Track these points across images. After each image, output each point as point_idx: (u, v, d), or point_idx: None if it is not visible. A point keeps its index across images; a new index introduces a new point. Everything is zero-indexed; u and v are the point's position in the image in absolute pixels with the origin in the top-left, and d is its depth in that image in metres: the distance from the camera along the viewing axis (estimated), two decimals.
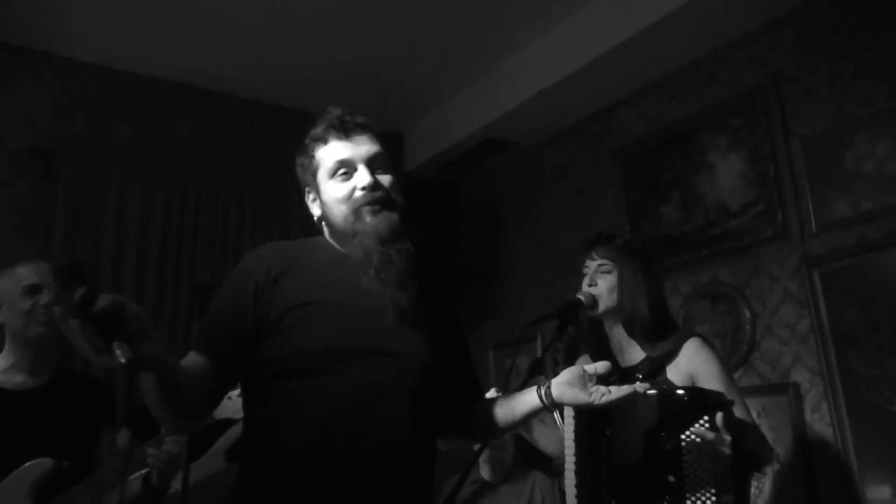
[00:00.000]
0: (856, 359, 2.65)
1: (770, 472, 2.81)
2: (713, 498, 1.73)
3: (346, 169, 1.54)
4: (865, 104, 2.75)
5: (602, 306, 2.17)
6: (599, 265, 2.20)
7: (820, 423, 2.75)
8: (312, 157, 1.59)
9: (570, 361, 2.40)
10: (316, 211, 1.62)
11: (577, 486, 1.92)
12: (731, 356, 3.03)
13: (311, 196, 1.63)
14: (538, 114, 3.90)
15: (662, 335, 2.14)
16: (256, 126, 4.13)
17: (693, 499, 1.74)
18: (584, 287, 2.19)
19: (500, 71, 3.94)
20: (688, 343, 2.11)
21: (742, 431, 1.86)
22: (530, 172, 4.31)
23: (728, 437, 1.74)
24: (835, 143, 2.81)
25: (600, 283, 2.18)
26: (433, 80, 4.08)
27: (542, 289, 4.09)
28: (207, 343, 1.47)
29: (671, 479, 1.76)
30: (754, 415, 2.78)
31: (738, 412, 2.00)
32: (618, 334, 2.21)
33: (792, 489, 2.76)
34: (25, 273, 2.24)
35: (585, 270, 2.23)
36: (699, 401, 1.81)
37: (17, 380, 2.23)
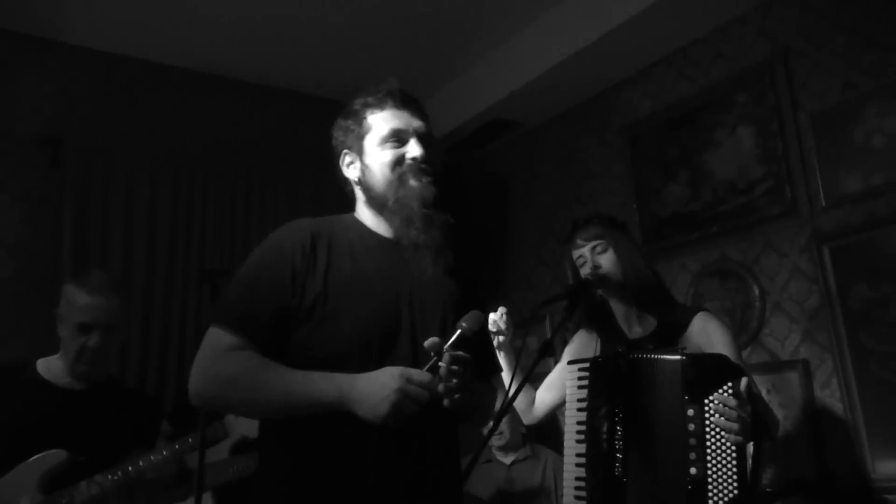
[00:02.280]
0: (866, 335, 2.65)
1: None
2: (734, 461, 1.75)
3: (398, 138, 1.58)
4: (876, 77, 2.72)
5: (615, 280, 2.17)
6: (593, 246, 2.20)
7: (830, 399, 2.76)
8: (363, 120, 1.61)
9: None
10: (352, 174, 1.63)
11: (578, 442, 1.99)
12: (741, 333, 3.03)
13: (349, 159, 1.63)
14: (545, 93, 3.87)
15: (668, 302, 2.18)
16: (263, 111, 4.12)
17: (715, 462, 1.77)
18: (586, 272, 2.18)
19: (506, 50, 3.91)
20: (697, 316, 2.13)
21: (756, 401, 1.88)
22: (537, 152, 4.29)
23: (749, 405, 1.77)
24: (844, 117, 2.78)
25: (603, 262, 2.17)
26: (440, 61, 4.05)
27: (550, 267, 4.09)
28: (246, 323, 1.43)
29: (692, 441, 1.79)
30: (763, 391, 2.81)
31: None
32: (624, 309, 2.22)
33: (803, 465, 2.77)
34: (82, 305, 2.26)
35: (580, 259, 2.22)
36: (723, 367, 1.84)
37: (65, 380, 2.31)
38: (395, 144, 1.58)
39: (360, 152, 1.61)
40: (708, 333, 2.09)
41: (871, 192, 2.68)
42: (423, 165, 1.58)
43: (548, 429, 3.50)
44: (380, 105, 1.62)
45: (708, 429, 1.79)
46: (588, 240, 2.21)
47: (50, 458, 2.14)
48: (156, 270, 3.53)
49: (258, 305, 1.44)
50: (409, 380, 1.30)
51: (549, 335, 3.80)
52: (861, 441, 2.62)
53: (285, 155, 3.98)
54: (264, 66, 3.96)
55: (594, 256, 2.19)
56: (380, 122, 1.60)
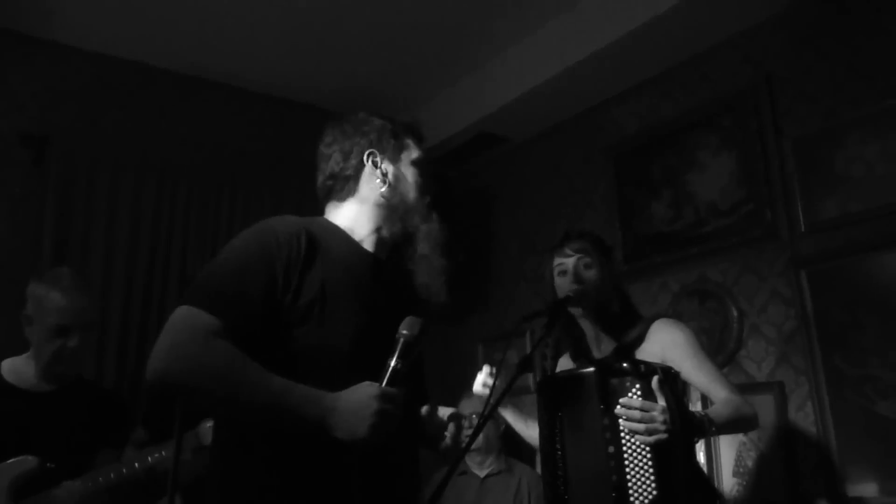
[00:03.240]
0: (841, 359, 2.68)
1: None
2: (649, 463, 1.77)
3: (426, 170, 1.69)
4: (856, 106, 2.76)
5: (594, 297, 2.18)
6: (580, 259, 2.21)
7: (804, 421, 2.78)
8: (403, 137, 1.68)
9: (557, 358, 2.43)
10: (378, 174, 1.61)
11: (543, 468, 2.01)
12: (718, 354, 3.05)
13: (377, 158, 1.63)
14: (532, 109, 3.90)
15: (631, 322, 2.20)
16: (251, 116, 4.11)
17: (632, 466, 1.79)
18: (567, 284, 2.20)
19: (494, 65, 3.94)
20: (654, 325, 2.16)
21: (679, 393, 1.89)
22: (523, 167, 4.31)
23: (662, 403, 1.78)
24: (825, 144, 2.82)
25: (586, 277, 2.19)
26: (427, 74, 4.07)
27: (532, 283, 4.11)
28: (227, 307, 1.32)
29: (611, 449, 1.82)
30: None
31: (710, 383, 2.03)
32: (590, 327, 2.24)
33: (776, 487, 2.79)
34: (59, 307, 2.21)
35: (562, 267, 2.24)
36: (632, 371, 1.86)
37: (31, 382, 2.26)
38: (423, 173, 1.67)
39: (393, 160, 1.64)
40: (665, 339, 2.11)
41: (850, 218, 2.72)
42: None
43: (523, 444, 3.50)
44: (413, 136, 1.70)
45: (622, 434, 1.82)
46: (577, 251, 2.23)
47: (19, 464, 2.09)
48: (136, 274, 3.50)
49: (245, 290, 1.35)
50: (385, 398, 1.27)
51: (528, 350, 3.80)
52: (834, 464, 2.65)
53: (271, 162, 3.98)
54: (252, 71, 3.96)
55: (579, 269, 2.20)
56: (415, 146, 1.69)
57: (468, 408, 3.35)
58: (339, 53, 3.82)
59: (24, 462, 2.10)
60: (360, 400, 1.27)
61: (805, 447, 2.76)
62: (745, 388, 2.93)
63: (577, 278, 2.19)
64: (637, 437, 1.78)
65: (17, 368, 2.28)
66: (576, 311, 2.23)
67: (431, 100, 4.33)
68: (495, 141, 4.29)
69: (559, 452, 1.93)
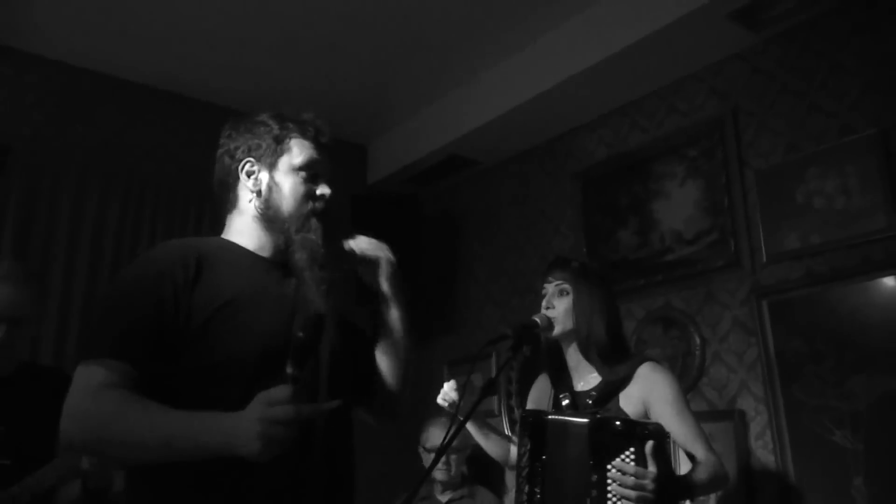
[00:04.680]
0: (799, 388, 2.72)
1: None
2: None
3: (313, 173, 1.56)
4: (817, 141, 2.84)
5: (559, 328, 2.20)
6: (556, 286, 2.24)
7: (763, 450, 2.81)
8: (284, 140, 1.56)
9: (523, 382, 2.44)
10: (252, 185, 1.55)
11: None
12: (681, 381, 3.07)
13: (253, 168, 1.55)
14: (502, 133, 3.94)
15: (618, 359, 2.17)
16: (218, 130, 4.06)
17: None
18: (542, 309, 2.23)
19: (465, 89, 3.97)
20: (641, 367, 2.15)
21: (670, 459, 1.91)
22: (492, 190, 4.34)
23: (654, 470, 1.79)
24: (787, 177, 2.89)
25: (557, 305, 2.21)
26: (399, 95, 4.09)
27: (500, 307, 4.12)
28: (127, 348, 1.30)
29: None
30: None
31: (688, 437, 2.04)
32: (574, 357, 2.24)
33: None
34: None
35: (544, 292, 2.27)
36: (627, 432, 1.86)
37: None
38: (308, 178, 1.55)
39: (270, 167, 1.55)
40: (651, 384, 2.11)
41: (810, 250, 2.78)
42: (329, 209, 1.56)
43: (490, 470, 3.49)
44: (302, 133, 1.58)
45: (608, 492, 1.82)
46: (557, 279, 2.25)
47: None
48: (98, 286, 3.44)
49: (140, 329, 1.32)
50: (266, 402, 1.20)
51: (493, 373, 3.80)
52: (792, 492, 2.68)
53: None
54: (222, 87, 3.94)
55: (554, 297, 2.23)
56: (300, 148, 1.56)
57: (434, 436, 3.34)
58: (311, 72, 3.82)
59: None
60: (244, 413, 1.22)
61: (764, 475, 2.79)
62: (707, 415, 2.97)
63: (549, 304, 2.22)
64: (624, 500, 1.79)
65: None
66: (560, 338, 2.23)
67: (403, 121, 4.35)
68: (465, 164, 4.31)
69: (538, 494, 1.94)
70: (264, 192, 1.54)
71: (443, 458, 3.21)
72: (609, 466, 1.83)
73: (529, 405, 2.37)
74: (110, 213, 3.56)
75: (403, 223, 4.50)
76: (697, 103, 3.30)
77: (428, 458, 3.32)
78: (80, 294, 3.38)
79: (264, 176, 1.55)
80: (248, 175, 1.55)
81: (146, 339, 1.32)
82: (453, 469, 3.29)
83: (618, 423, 1.90)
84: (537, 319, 2.17)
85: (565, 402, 2.18)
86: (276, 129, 1.57)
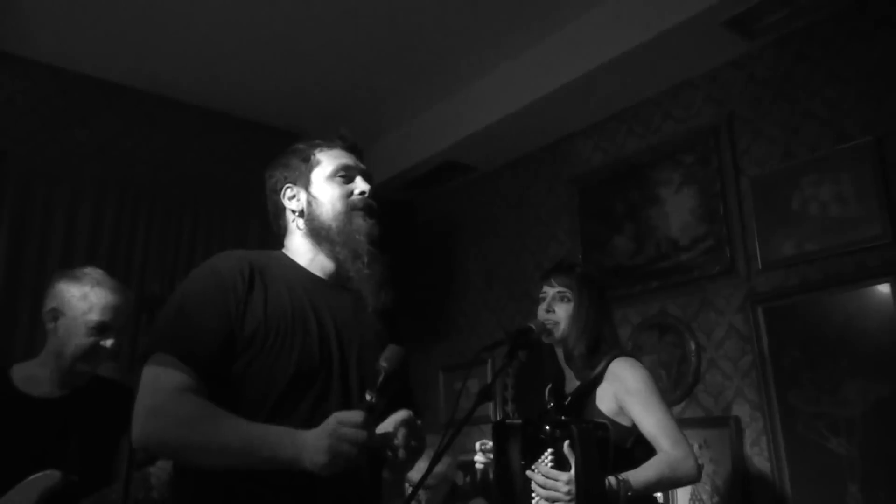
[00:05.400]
0: (794, 395, 2.73)
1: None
2: None
3: (347, 173, 1.65)
4: (812, 149, 2.85)
5: (559, 333, 2.20)
6: (558, 292, 2.24)
7: (759, 456, 2.82)
8: (311, 155, 1.66)
9: (519, 387, 2.44)
10: (294, 205, 1.63)
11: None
12: (677, 388, 3.09)
13: (292, 192, 1.64)
14: (498, 139, 3.94)
15: (597, 360, 2.19)
16: (215, 138, 4.08)
17: None
18: (542, 312, 2.23)
19: (461, 95, 3.98)
20: (612, 365, 2.15)
21: (592, 453, 1.90)
22: (487, 196, 4.35)
23: (570, 473, 1.82)
24: (782, 184, 2.90)
25: (558, 310, 2.22)
26: (395, 101, 4.10)
27: (495, 312, 4.12)
28: (192, 353, 1.36)
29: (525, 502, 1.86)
30: (695, 446, 2.86)
31: (654, 430, 2.04)
32: (563, 362, 2.25)
33: None
34: (99, 304, 2.13)
35: (543, 296, 2.27)
36: (549, 433, 1.90)
37: (44, 389, 2.15)
38: (344, 180, 1.64)
39: (306, 185, 1.64)
40: (620, 380, 2.12)
41: (805, 257, 2.79)
42: (371, 202, 1.64)
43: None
44: (329, 144, 1.69)
45: (532, 494, 1.88)
46: (559, 284, 2.25)
47: (41, 480, 1.99)
48: None
49: (206, 333, 1.39)
50: (340, 422, 1.28)
51: (489, 379, 3.80)
52: (786, 498, 2.68)
53: (235, 184, 3.94)
54: (218, 93, 3.94)
55: (553, 301, 2.23)
56: (329, 158, 1.66)
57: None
58: (307, 78, 3.82)
59: (48, 477, 2.00)
60: (320, 434, 1.29)
61: (759, 482, 2.79)
62: (702, 421, 2.97)
63: (549, 308, 2.22)
64: (543, 502, 1.84)
65: (30, 375, 2.16)
66: (558, 342, 2.24)
67: (399, 127, 4.36)
68: (461, 170, 4.32)
69: (502, 496, 1.99)
70: (306, 208, 1.63)
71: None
72: (533, 467, 1.87)
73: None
74: (105, 221, 3.55)
75: (399, 229, 4.50)
76: (693, 110, 3.31)
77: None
78: None
79: (303, 195, 1.64)
80: (290, 199, 1.64)
81: (213, 350, 1.38)
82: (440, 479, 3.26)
83: (547, 425, 1.92)
84: (532, 325, 2.17)
85: (550, 406, 2.20)
86: (303, 150, 1.68)
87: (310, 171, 1.64)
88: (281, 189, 1.65)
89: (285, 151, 1.71)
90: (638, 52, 3.12)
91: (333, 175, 1.63)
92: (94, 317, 2.13)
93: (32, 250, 3.33)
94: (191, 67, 3.71)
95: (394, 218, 4.50)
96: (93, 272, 2.24)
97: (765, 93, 3.04)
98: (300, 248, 1.63)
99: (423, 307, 4.47)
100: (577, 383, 2.19)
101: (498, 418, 3.76)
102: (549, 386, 2.33)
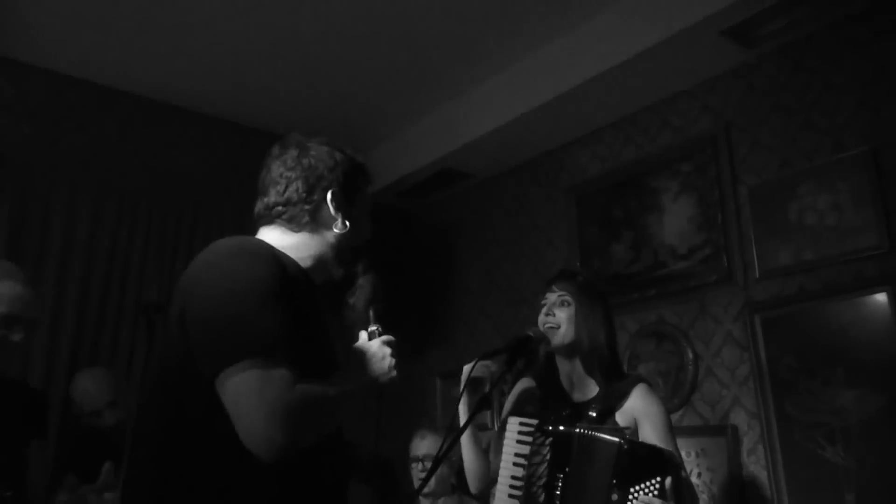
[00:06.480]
0: (792, 404, 2.73)
1: None
2: None
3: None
4: (810, 158, 2.86)
5: (559, 338, 2.18)
6: (559, 296, 2.23)
7: (756, 465, 2.81)
8: (367, 184, 1.72)
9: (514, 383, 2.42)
10: (333, 210, 1.60)
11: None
12: (674, 396, 3.09)
13: (336, 199, 1.60)
14: (496, 147, 3.95)
15: (617, 376, 2.19)
16: (214, 143, 4.08)
17: None
18: (541, 317, 2.21)
19: (459, 103, 3.98)
20: (638, 387, 2.15)
21: (683, 494, 1.91)
22: (485, 204, 4.35)
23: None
24: (780, 193, 2.91)
25: (558, 315, 2.20)
26: (393, 109, 4.10)
27: (492, 319, 4.12)
28: (283, 349, 1.32)
29: None
30: (692, 455, 2.86)
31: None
32: (570, 369, 2.23)
33: None
34: (8, 295, 2.04)
35: (544, 302, 2.26)
36: (655, 459, 1.86)
37: None
38: (370, 217, 1.72)
39: (350, 203, 1.63)
40: (646, 405, 2.11)
41: (802, 266, 2.79)
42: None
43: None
44: (366, 178, 1.73)
45: None
46: (561, 290, 2.24)
47: None
48: (90, 299, 3.43)
49: (283, 326, 1.34)
50: (389, 343, 1.57)
51: (487, 388, 3.79)
52: None
53: (232, 188, 3.94)
54: (217, 98, 3.94)
55: (556, 307, 2.22)
56: (367, 190, 1.72)
57: (422, 448, 3.31)
58: (304, 85, 3.83)
59: None
60: (375, 350, 1.55)
61: (756, 490, 2.79)
62: (699, 430, 2.97)
63: (549, 312, 2.21)
64: None
65: None
66: (555, 350, 2.23)
67: (396, 133, 4.36)
68: (459, 177, 4.32)
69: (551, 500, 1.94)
70: (350, 224, 1.63)
71: (423, 468, 3.23)
72: (633, 490, 1.83)
73: (510, 408, 2.33)
74: (103, 225, 3.54)
75: (396, 236, 4.50)
76: (691, 119, 3.32)
77: (417, 467, 3.30)
78: (72, 310, 3.37)
79: (348, 209, 1.64)
80: (337, 207, 1.62)
81: (289, 341, 1.35)
82: (442, 485, 3.27)
83: (646, 449, 1.91)
84: (531, 333, 2.17)
85: (566, 413, 2.17)
86: (353, 168, 1.69)
87: (356, 191, 1.66)
88: (329, 190, 1.60)
89: (324, 151, 1.64)
90: (636, 60, 3.13)
91: (368, 207, 1.71)
92: (2, 309, 2.03)
93: (30, 254, 3.31)
94: (189, 73, 3.71)
95: (392, 225, 4.50)
96: (3, 264, 2.18)
97: (763, 102, 3.06)
98: (302, 247, 1.60)
99: (420, 314, 4.47)
100: (594, 392, 2.18)
101: (495, 426, 3.74)
102: (541, 393, 2.31)
